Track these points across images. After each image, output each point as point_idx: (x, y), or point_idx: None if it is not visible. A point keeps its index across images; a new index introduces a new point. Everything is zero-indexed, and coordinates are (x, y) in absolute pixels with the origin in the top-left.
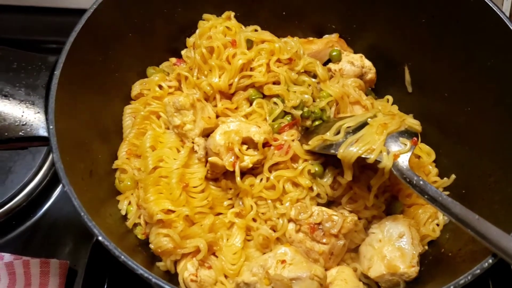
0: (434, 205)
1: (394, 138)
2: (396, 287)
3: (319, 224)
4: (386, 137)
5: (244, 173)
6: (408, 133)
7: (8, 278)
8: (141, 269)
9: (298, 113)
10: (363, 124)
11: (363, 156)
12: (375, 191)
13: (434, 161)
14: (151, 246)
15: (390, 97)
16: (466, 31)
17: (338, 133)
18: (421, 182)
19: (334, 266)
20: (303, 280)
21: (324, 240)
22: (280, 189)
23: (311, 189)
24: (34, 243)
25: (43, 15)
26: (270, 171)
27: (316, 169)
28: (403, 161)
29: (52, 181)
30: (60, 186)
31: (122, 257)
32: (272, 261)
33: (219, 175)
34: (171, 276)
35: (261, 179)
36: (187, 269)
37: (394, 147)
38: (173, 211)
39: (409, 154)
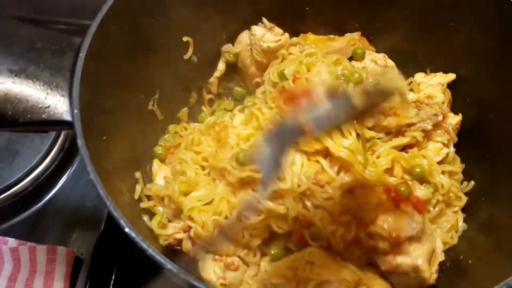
0: None
1: None
2: None
3: None
4: None
5: None
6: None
7: (12, 264)
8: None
9: None
10: None
11: None
12: None
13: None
14: None
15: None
16: (497, 39)
17: None
18: None
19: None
20: (331, 283)
21: None
22: None
23: None
24: (39, 229)
25: None
26: None
27: None
28: None
29: (60, 166)
30: (68, 172)
31: (158, 257)
32: (300, 262)
33: None
34: None
35: None
36: (214, 272)
37: None
38: None
39: None
